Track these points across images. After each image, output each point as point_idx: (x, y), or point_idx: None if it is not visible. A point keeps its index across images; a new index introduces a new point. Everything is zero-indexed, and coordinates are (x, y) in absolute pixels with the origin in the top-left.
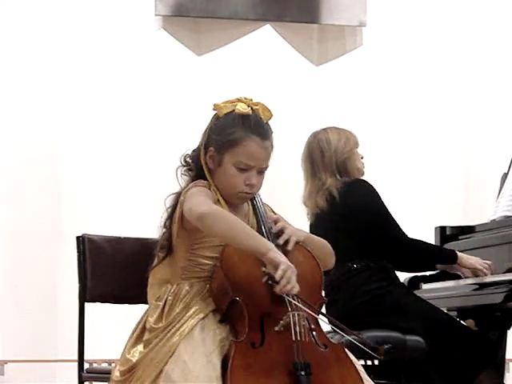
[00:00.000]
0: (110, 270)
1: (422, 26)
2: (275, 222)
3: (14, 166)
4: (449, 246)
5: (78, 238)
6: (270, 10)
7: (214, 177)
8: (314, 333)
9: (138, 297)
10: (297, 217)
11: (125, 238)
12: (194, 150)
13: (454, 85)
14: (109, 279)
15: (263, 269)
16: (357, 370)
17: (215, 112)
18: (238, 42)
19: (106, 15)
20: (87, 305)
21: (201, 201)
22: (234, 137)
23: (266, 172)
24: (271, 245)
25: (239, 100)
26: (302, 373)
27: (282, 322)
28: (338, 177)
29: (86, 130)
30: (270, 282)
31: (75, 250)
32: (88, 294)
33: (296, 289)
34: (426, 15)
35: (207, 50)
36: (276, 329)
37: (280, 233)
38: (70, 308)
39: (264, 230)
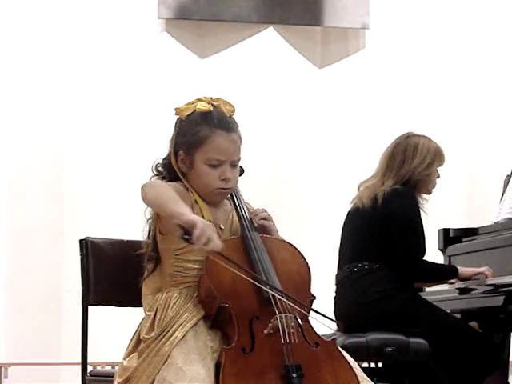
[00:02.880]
0: (113, 273)
1: (425, 28)
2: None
3: (17, 169)
4: (452, 248)
5: (80, 241)
6: (273, 13)
7: (189, 180)
8: (304, 332)
9: (141, 300)
10: (297, 218)
11: (128, 240)
12: (164, 158)
13: (458, 87)
14: (112, 282)
15: (176, 222)
16: (350, 367)
17: (178, 116)
18: (241, 44)
19: (108, 19)
20: (90, 308)
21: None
22: (200, 135)
23: (271, 175)
24: (186, 210)
25: (199, 99)
26: (294, 375)
27: (270, 324)
28: (398, 185)
29: (89, 133)
30: (185, 237)
31: (78, 253)
32: (91, 297)
33: (218, 245)
34: (429, 17)
35: (210, 52)
36: (265, 332)
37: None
38: (74, 311)
39: (246, 227)
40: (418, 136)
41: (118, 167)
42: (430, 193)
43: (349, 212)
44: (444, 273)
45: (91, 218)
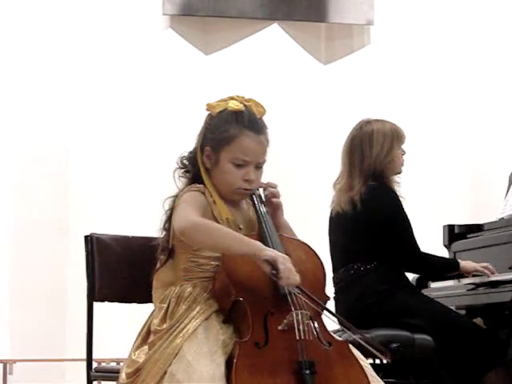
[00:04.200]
0: (118, 269)
1: (430, 25)
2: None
3: (22, 165)
4: (457, 244)
5: (86, 237)
6: (277, 9)
7: (211, 176)
8: (317, 331)
9: (146, 296)
10: (304, 215)
11: (133, 236)
12: (190, 152)
13: (462, 84)
14: (117, 278)
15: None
16: (361, 367)
17: (209, 112)
18: (245, 41)
19: (113, 15)
20: (95, 304)
21: (184, 214)
22: (229, 134)
23: (276, 171)
24: (260, 244)
25: (231, 98)
26: (307, 371)
27: (285, 320)
28: (370, 181)
29: (93, 129)
30: (273, 272)
31: (83, 250)
32: (96, 293)
33: (298, 278)
34: (434, 14)
35: (215, 49)
36: (280, 328)
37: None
38: (79, 307)
39: (264, 226)
40: (371, 123)
41: (123, 163)
42: (400, 172)
43: (331, 217)
44: (445, 266)
45: (96, 215)
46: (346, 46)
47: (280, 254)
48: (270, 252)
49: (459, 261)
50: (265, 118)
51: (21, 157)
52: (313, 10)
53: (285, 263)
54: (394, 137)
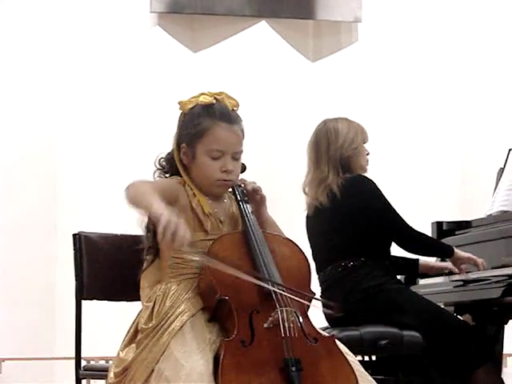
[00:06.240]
0: (107, 267)
1: (418, 22)
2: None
3: (11, 164)
4: (445, 241)
5: (74, 235)
6: (265, 7)
7: (191, 173)
8: (303, 327)
9: (135, 294)
10: (293, 212)
11: (121, 235)
12: (168, 153)
13: (451, 81)
14: (105, 277)
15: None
16: (348, 362)
17: (181, 111)
18: (233, 38)
19: (101, 13)
20: (84, 302)
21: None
22: (202, 126)
23: (263, 168)
24: (158, 203)
25: (202, 93)
26: (293, 369)
27: (270, 318)
28: (341, 173)
29: (82, 127)
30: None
31: (72, 248)
32: (85, 291)
33: (185, 238)
34: (422, 11)
35: (203, 46)
36: (265, 325)
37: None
38: (67, 306)
39: (248, 223)
40: (336, 120)
41: (111, 162)
42: (365, 171)
43: (308, 216)
44: (441, 247)
45: (84, 213)
46: (333, 43)
47: (169, 214)
48: (158, 210)
49: (454, 248)
50: (253, 115)
51: (9, 155)
52: (300, 8)
53: (166, 225)
54: (358, 129)
